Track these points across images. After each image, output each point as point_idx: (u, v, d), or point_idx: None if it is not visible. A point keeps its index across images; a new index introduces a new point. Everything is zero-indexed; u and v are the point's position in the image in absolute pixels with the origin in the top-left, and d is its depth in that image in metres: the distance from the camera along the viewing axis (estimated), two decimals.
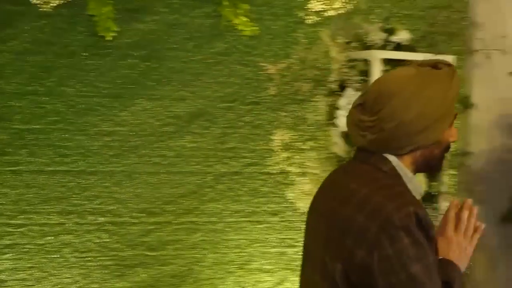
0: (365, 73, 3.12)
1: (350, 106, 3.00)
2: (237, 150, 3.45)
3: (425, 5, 3.61)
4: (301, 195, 3.22)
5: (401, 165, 1.96)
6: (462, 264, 1.93)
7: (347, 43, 3.21)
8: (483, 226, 1.98)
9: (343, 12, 3.47)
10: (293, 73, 3.26)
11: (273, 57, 3.45)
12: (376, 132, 1.91)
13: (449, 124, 1.96)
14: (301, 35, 3.30)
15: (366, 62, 3.13)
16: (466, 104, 3.29)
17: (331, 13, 3.48)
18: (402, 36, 3.22)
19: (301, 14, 3.50)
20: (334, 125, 3.16)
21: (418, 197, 2.04)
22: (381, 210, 1.82)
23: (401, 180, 1.96)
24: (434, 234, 1.88)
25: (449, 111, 1.95)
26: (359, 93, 3.06)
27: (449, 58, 3.18)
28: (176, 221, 3.38)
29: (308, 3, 3.48)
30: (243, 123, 3.46)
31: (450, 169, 3.18)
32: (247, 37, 3.42)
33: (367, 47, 3.17)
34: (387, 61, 3.14)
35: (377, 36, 3.19)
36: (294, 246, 3.52)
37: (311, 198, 3.06)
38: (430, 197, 3.15)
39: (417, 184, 2.02)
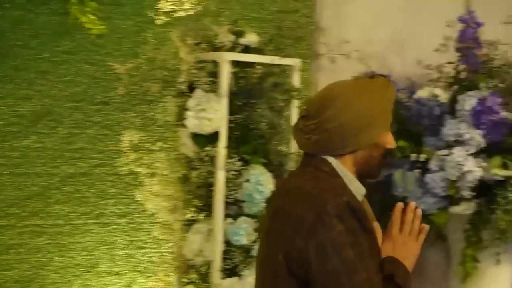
0: (214, 74, 3.13)
1: (199, 107, 3.05)
2: (84, 151, 3.38)
3: (273, 9, 3.68)
4: (150, 196, 3.20)
5: (341, 166, 2.12)
6: (408, 262, 2.07)
7: (196, 44, 3.21)
8: (427, 227, 2.11)
9: (192, 13, 3.47)
10: (142, 73, 3.23)
11: (122, 56, 3.41)
12: (319, 133, 2.07)
13: (386, 128, 2.14)
14: (151, 35, 3.28)
15: (215, 63, 3.14)
16: None
17: (180, 14, 3.48)
18: (251, 38, 3.26)
19: (150, 14, 3.48)
20: (183, 126, 3.16)
21: (360, 198, 2.15)
22: (317, 200, 1.96)
23: (341, 179, 2.08)
24: (371, 226, 2.02)
25: (385, 116, 2.13)
26: (208, 94, 3.10)
27: (295, 61, 3.27)
28: (20, 224, 3.27)
29: (158, 3, 3.46)
30: (91, 123, 3.40)
31: None
32: (95, 35, 3.36)
33: (216, 48, 3.18)
34: (236, 63, 3.17)
35: (226, 38, 3.22)
36: (142, 248, 3.49)
37: (160, 199, 3.07)
38: None
39: (359, 187, 2.15)
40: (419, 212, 2.10)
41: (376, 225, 2.19)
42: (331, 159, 2.13)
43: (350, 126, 2.12)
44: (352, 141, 2.14)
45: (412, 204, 2.11)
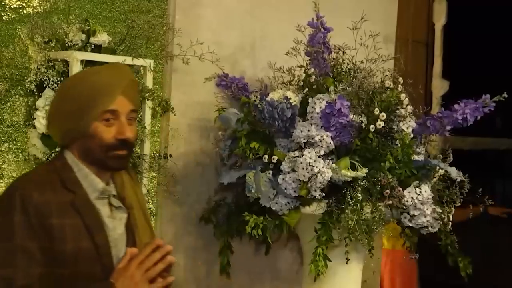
0: (65, 73, 3.06)
1: (49, 107, 2.97)
2: None
3: (125, 8, 3.64)
4: None
5: (76, 160, 2.20)
6: (122, 286, 2.06)
7: (46, 42, 3.12)
8: (171, 279, 2.12)
9: (41, 10, 3.38)
10: None
11: None
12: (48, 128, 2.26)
13: (94, 118, 2.20)
14: None
15: (65, 62, 3.07)
16: (165, 107, 3.36)
17: (29, 10, 3.38)
18: (102, 38, 3.20)
19: None
20: (32, 126, 3.06)
21: (96, 194, 2.15)
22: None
23: (70, 174, 2.08)
24: (54, 223, 2.07)
25: (89, 104, 2.20)
26: None
27: (148, 62, 3.25)
28: None
29: None
30: None
31: (150, 171, 3.23)
32: None
33: (66, 47, 3.11)
34: (88, 63, 3.11)
35: (76, 37, 3.15)
36: None
37: None
38: None
39: (93, 181, 2.13)
40: (170, 259, 2.10)
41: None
42: (67, 153, 2.18)
43: (53, 116, 2.26)
44: (62, 132, 2.25)
45: (168, 247, 2.11)
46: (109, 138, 2.24)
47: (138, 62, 3.23)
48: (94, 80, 2.29)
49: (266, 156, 3.17)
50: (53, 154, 2.98)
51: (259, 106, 3.19)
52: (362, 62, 3.40)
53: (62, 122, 2.27)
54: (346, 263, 3.04)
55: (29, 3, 3.40)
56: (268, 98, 3.27)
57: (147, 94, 3.25)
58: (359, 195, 2.98)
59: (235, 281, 3.69)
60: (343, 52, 3.43)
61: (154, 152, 3.32)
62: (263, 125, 3.24)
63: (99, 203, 2.27)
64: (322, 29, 3.33)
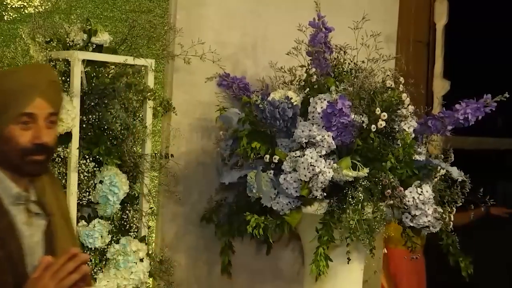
0: (66, 73, 3.07)
1: None
2: None
3: (127, 8, 3.64)
4: None
5: None
6: None
7: (47, 42, 3.13)
8: None
9: (43, 10, 3.39)
10: None
11: None
12: None
13: (9, 120, 2.11)
14: None
15: (67, 62, 3.07)
16: (166, 107, 3.36)
17: (30, 10, 3.39)
18: (103, 37, 3.21)
19: None
20: None
21: (11, 200, 2.10)
22: None
23: None
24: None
25: (5, 106, 2.11)
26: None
27: (149, 62, 3.25)
28: None
29: None
30: None
31: (151, 171, 3.24)
32: None
33: (68, 47, 3.11)
34: (89, 62, 3.12)
35: (78, 37, 3.15)
36: None
37: None
38: (132, 199, 3.19)
39: (7, 186, 2.13)
40: (85, 269, 2.02)
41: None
42: None
43: None
44: None
45: (83, 257, 2.03)
46: (25, 142, 2.13)
47: (140, 61, 3.24)
48: (10, 81, 2.18)
49: (267, 156, 3.17)
50: (54, 154, 2.98)
51: (260, 105, 3.19)
52: (363, 62, 3.40)
53: None
54: (348, 263, 3.04)
55: (30, 3, 3.40)
56: (269, 98, 3.27)
57: (148, 94, 3.25)
58: (360, 195, 2.98)
59: (236, 281, 3.70)
60: (344, 52, 3.43)
61: (156, 152, 3.32)
62: (264, 125, 3.24)
63: (14, 209, 2.17)
64: (323, 29, 3.33)
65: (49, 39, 3.14)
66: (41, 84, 2.19)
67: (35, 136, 2.14)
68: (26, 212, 2.20)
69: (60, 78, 3.00)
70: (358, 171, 3.02)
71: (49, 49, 3.10)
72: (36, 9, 3.40)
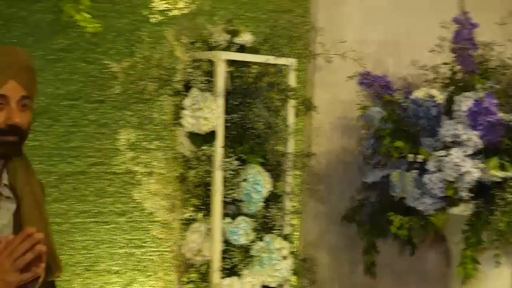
0: (210, 73, 3.12)
1: (195, 106, 3.04)
2: (82, 149, 3.38)
3: (268, 8, 3.68)
4: (148, 195, 3.18)
5: None
6: None
7: (192, 43, 3.19)
8: (40, 269, 2.00)
9: (187, 12, 3.47)
10: (138, 72, 3.21)
11: (117, 55, 3.41)
12: None
13: None
14: (146, 34, 3.26)
15: (210, 62, 3.13)
16: (308, 106, 3.38)
17: (175, 12, 3.48)
18: (246, 38, 3.25)
19: (145, 12, 3.48)
20: (179, 125, 3.14)
21: None
22: None
23: None
24: None
25: None
26: (204, 93, 3.09)
27: (291, 61, 3.27)
28: None
29: (152, 2, 3.46)
30: (88, 122, 3.39)
31: (294, 170, 3.26)
32: (90, 34, 3.35)
33: (211, 48, 3.17)
34: (232, 62, 3.17)
35: (221, 37, 3.21)
36: (142, 247, 3.49)
37: (158, 198, 3.06)
38: (275, 197, 3.22)
39: None
40: (39, 248, 1.98)
41: None
42: None
43: None
44: None
45: (38, 236, 1.99)
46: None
47: (281, 61, 3.26)
48: None
49: (411, 156, 3.13)
50: (199, 152, 3.06)
51: (403, 104, 3.16)
52: (510, 58, 3.30)
53: None
54: (496, 268, 2.96)
55: (175, 6, 3.49)
56: (412, 96, 3.22)
57: (290, 93, 3.27)
58: (509, 196, 2.89)
59: (380, 281, 3.67)
60: (491, 49, 3.34)
61: (298, 151, 3.33)
62: (407, 124, 3.20)
63: None
64: (468, 25, 3.25)
65: (193, 40, 3.20)
66: (14, 67, 2.21)
67: (7, 117, 2.16)
68: None
69: (204, 78, 3.07)
70: (507, 171, 2.94)
71: (193, 50, 3.17)
72: (180, 11, 3.48)
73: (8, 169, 2.26)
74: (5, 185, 2.24)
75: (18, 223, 2.21)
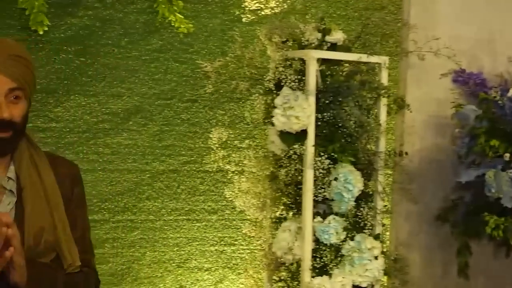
0: (301, 72, 3.12)
1: (286, 105, 3.04)
2: (174, 148, 3.45)
3: (360, 6, 3.66)
4: (239, 194, 3.21)
5: None
6: None
7: (283, 42, 3.20)
8: (8, 253, 1.97)
9: (278, 11, 3.47)
10: (230, 72, 3.24)
11: (209, 55, 3.46)
12: None
13: None
14: (237, 34, 3.28)
15: (302, 61, 3.13)
16: (400, 104, 3.33)
17: (266, 12, 3.49)
18: (337, 36, 3.22)
19: (237, 12, 3.51)
20: (271, 123, 3.15)
21: None
22: None
23: None
24: None
25: None
26: (295, 92, 3.09)
27: (383, 59, 3.23)
28: (113, 219, 3.35)
29: (244, 2, 3.49)
30: (180, 121, 3.45)
31: (385, 169, 3.22)
32: (182, 34, 3.40)
33: (303, 46, 3.17)
34: (323, 61, 3.15)
35: (313, 36, 3.19)
36: (233, 245, 3.53)
37: (249, 196, 3.07)
38: (367, 196, 3.19)
39: None
40: (3, 231, 1.96)
41: None
42: None
43: None
44: None
45: (3, 220, 1.96)
46: None
47: (373, 59, 3.22)
48: None
49: (508, 155, 3.05)
50: (291, 151, 3.06)
51: (499, 102, 3.08)
52: None
53: None
54: None
55: (266, 5, 3.51)
56: (509, 94, 3.14)
57: (382, 91, 3.24)
58: None
59: (473, 283, 3.59)
60: None
61: (389, 150, 3.29)
62: (503, 122, 3.12)
63: None
64: None
65: (285, 39, 3.20)
66: None
67: None
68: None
69: (295, 77, 3.06)
70: None
71: (285, 48, 3.17)
72: (272, 11, 3.49)
73: (15, 162, 2.21)
74: (9, 178, 2.19)
75: (20, 214, 2.15)
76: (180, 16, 3.36)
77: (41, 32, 3.14)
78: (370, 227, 3.14)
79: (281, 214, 3.15)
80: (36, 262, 2.09)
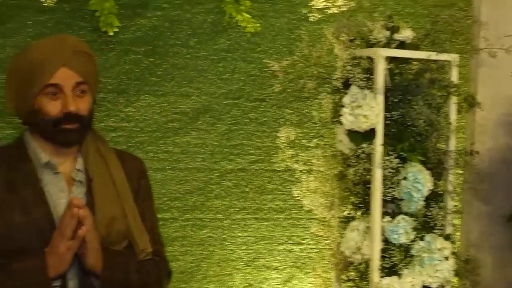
0: (369, 71, 3.10)
1: (354, 104, 3.03)
2: (243, 147, 3.47)
3: (429, 3, 3.62)
4: (307, 193, 3.21)
5: (31, 141, 2.18)
6: (51, 260, 2.03)
7: (351, 40, 3.18)
8: (82, 231, 2.03)
9: (346, 9, 3.46)
10: (298, 71, 3.24)
11: (277, 54, 3.47)
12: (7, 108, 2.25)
13: (36, 93, 2.13)
14: (305, 32, 3.28)
15: (370, 60, 3.10)
16: (471, 102, 3.28)
17: (334, 10, 3.48)
18: (406, 34, 3.19)
19: (304, 11, 3.51)
20: (339, 122, 3.14)
21: (42, 169, 2.16)
22: None
23: (21, 150, 2.16)
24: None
25: (31, 79, 2.12)
26: (363, 91, 3.07)
27: (453, 57, 3.19)
28: (182, 218, 3.39)
29: (311, 0, 3.48)
30: (248, 120, 3.47)
31: (456, 168, 3.17)
32: (250, 33, 3.42)
33: (371, 45, 3.14)
34: (391, 59, 3.13)
35: (381, 34, 3.17)
36: (300, 244, 3.53)
37: (317, 195, 3.07)
38: (436, 196, 3.15)
39: (38, 155, 2.17)
40: (77, 212, 2.03)
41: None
42: (26, 133, 2.20)
43: (6, 94, 2.20)
44: (15, 109, 2.19)
45: (76, 202, 2.04)
46: (54, 112, 2.13)
47: (443, 57, 3.18)
48: (33, 54, 2.17)
49: None
50: (359, 150, 3.04)
51: None
52: None
53: (14, 99, 2.21)
54: None
55: (334, 3, 3.49)
56: None
57: (452, 90, 3.19)
58: None
59: None
60: None
61: (460, 149, 3.25)
62: None
63: (50, 178, 2.19)
64: None
65: (352, 38, 3.19)
66: (64, 55, 2.17)
67: (63, 105, 2.14)
68: (70, 180, 2.22)
69: (363, 76, 3.04)
70: None
71: (353, 47, 3.15)
72: (339, 9, 3.48)
73: (82, 154, 2.27)
74: (78, 170, 2.24)
75: (89, 205, 2.19)
76: (248, 15, 3.37)
77: (111, 33, 3.19)
78: (440, 227, 3.09)
79: (349, 214, 3.13)
80: (109, 249, 2.15)
